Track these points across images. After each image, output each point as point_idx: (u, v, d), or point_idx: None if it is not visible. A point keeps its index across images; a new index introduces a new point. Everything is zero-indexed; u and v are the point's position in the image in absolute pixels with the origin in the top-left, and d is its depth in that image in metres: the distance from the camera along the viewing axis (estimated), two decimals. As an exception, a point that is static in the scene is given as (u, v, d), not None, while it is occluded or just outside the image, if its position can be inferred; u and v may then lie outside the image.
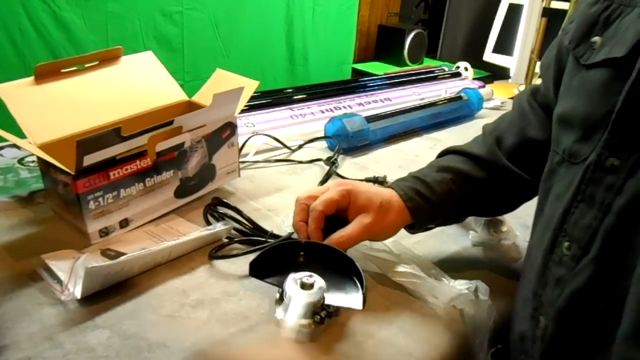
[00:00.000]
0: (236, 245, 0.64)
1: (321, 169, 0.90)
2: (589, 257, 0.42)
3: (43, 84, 0.70)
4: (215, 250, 0.63)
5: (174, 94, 0.81)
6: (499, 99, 1.42)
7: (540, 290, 0.47)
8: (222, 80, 0.79)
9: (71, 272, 0.53)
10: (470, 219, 0.71)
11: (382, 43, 3.24)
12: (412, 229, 0.62)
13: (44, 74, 0.70)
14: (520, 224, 0.72)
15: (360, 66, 3.01)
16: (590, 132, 0.44)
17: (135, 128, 0.62)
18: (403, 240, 0.64)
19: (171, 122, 0.65)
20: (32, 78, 0.69)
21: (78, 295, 0.52)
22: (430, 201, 0.59)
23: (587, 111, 0.45)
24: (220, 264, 0.61)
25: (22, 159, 0.85)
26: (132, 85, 0.78)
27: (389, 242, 0.62)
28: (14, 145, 0.89)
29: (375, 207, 0.57)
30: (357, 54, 3.02)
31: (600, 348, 0.43)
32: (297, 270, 0.50)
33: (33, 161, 0.84)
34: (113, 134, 0.59)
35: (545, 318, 0.46)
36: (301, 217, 0.58)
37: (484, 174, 0.62)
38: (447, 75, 1.51)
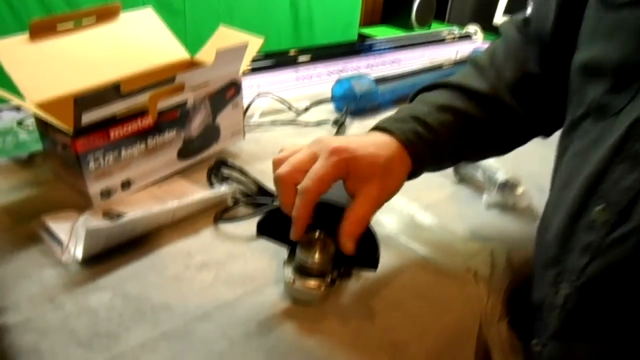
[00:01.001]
0: (242, 207, 0.62)
1: (328, 132, 0.88)
2: (630, 225, 0.38)
3: (38, 41, 0.67)
4: (220, 213, 0.61)
5: (176, 52, 0.78)
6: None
7: (563, 256, 0.44)
8: (225, 37, 0.76)
9: (71, 233, 0.52)
10: (485, 182, 0.68)
11: (389, 6, 3.15)
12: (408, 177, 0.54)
13: (39, 31, 0.66)
14: (536, 185, 0.69)
15: (367, 30, 2.94)
16: (626, 82, 0.39)
17: (135, 87, 0.59)
18: (415, 203, 0.62)
19: (173, 79, 0.62)
20: (26, 35, 0.66)
21: (79, 256, 0.50)
22: (432, 146, 0.52)
23: (621, 57, 0.40)
24: (225, 226, 0.59)
25: (21, 121, 0.83)
26: (131, 43, 0.74)
27: (402, 204, 0.60)
28: (13, 108, 0.87)
29: (380, 171, 0.47)
30: (363, 17, 2.94)
31: (626, 322, 0.40)
32: (306, 229, 0.48)
33: (32, 123, 0.81)
34: (112, 91, 0.57)
35: (567, 286, 0.43)
36: (292, 200, 0.46)
37: (484, 114, 0.56)
38: (456, 38, 1.46)
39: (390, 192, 0.49)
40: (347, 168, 0.46)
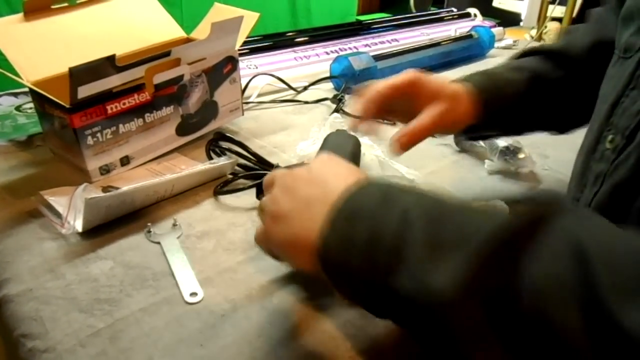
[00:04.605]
0: (241, 180, 0.62)
1: (328, 108, 0.87)
2: (633, 145, 0.38)
3: (33, 21, 0.66)
4: (220, 186, 0.60)
5: (172, 30, 0.77)
6: (510, 39, 1.36)
7: (578, 194, 0.44)
8: (221, 14, 0.75)
9: (70, 205, 0.51)
10: (487, 149, 0.68)
11: (387, -6, 3.14)
12: (472, 131, 0.55)
13: (34, 10, 0.66)
14: (537, 152, 0.69)
15: (365, 18, 2.92)
16: None
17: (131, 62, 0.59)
18: (417, 171, 0.61)
19: (168, 54, 0.62)
20: (21, 15, 0.66)
21: (79, 228, 0.50)
22: (501, 94, 0.53)
23: None
24: (225, 198, 0.59)
25: (19, 106, 0.83)
26: (126, 22, 0.74)
27: (402, 172, 0.59)
28: (11, 94, 0.87)
29: (448, 94, 0.50)
30: (361, 5, 2.92)
31: None
32: None
33: (31, 108, 0.81)
34: (107, 63, 0.56)
35: None
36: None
37: (559, 74, 0.55)
38: (455, 17, 1.45)
39: (454, 117, 0.51)
40: (417, 84, 0.51)
